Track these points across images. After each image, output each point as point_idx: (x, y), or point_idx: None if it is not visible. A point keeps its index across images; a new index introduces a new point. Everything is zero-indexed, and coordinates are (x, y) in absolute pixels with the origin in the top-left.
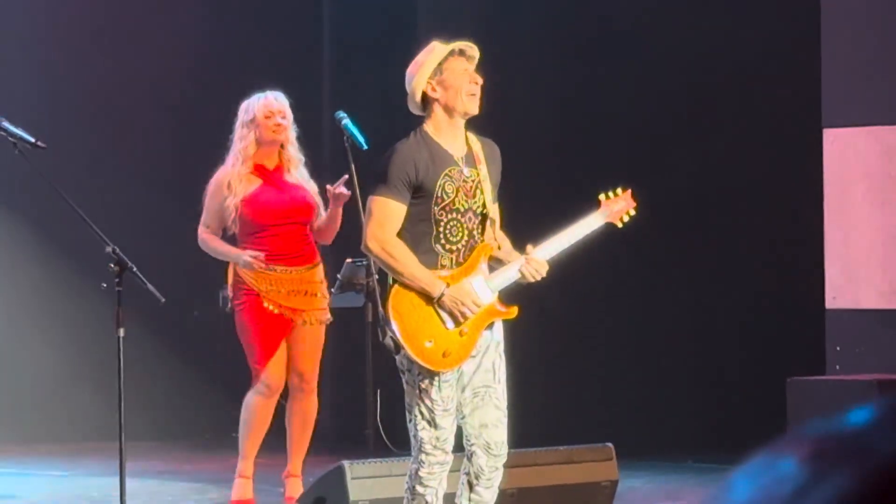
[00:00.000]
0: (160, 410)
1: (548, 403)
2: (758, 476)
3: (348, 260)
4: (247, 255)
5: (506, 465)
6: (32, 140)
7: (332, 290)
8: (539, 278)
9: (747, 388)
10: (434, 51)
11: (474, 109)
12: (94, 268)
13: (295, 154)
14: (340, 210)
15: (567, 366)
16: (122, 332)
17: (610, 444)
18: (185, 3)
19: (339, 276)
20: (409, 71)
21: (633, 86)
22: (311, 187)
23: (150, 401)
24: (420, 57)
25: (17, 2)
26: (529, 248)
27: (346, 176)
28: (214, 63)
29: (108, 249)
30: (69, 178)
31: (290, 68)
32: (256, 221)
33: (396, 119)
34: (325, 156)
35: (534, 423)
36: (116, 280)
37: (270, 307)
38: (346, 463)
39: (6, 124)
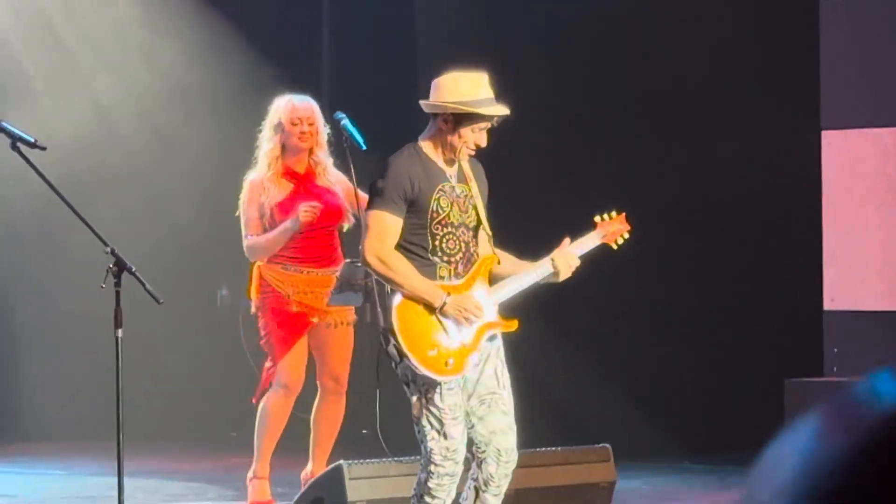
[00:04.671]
0: (158, 409)
1: (545, 405)
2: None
3: (346, 260)
4: (303, 206)
5: None
6: (32, 140)
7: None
8: (570, 274)
9: (745, 390)
10: (477, 95)
11: (464, 161)
12: (94, 268)
13: (324, 158)
14: None
15: (564, 367)
16: (120, 332)
17: (608, 446)
18: (184, 6)
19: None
20: (444, 83)
21: (631, 89)
22: (343, 187)
23: (148, 400)
24: (464, 82)
25: None
26: (567, 240)
27: None
28: (213, 65)
29: (107, 250)
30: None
31: (290, 69)
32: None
33: (395, 120)
34: None
35: (531, 424)
36: (115, 280)
37: (294, 308)
38: (344, 463)
39: (6, 124)
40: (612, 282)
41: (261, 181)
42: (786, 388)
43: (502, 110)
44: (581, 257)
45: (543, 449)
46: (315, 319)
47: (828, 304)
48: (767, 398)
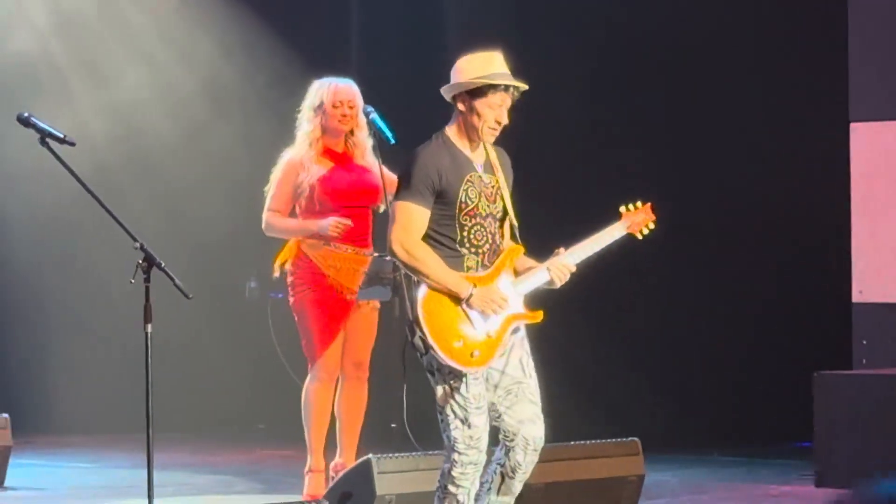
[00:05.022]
0: (188, 402)
1: (574, 398)
2: None
3: (375, 254)
4: (330, 220)
5: None
6: (61, 136)
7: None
8: (566, 281)
9: (774, 383)
10: (489, 69)
11: (488, 142)
12: (124, 261)
13: (363, 139)
14: None
15: (593, 360)
16: (149, 328)
17: (636, 439)
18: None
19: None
20: (461, 63)
21: (661, 81)
22: (382, 173)
23: (177, 392)
24: (476, 60)
25: None
26: (561, 249)
27: None
28: (243, 60)
29: (136, 246)
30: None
31: (319, 63)
32: (329, 202)
33: (424, 114)
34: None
35: (560, 418)
36: (145, 276)
37: (335, 286)
38: (373, 457)
39: (35, 119)
40: (640, 274)
41: (300, 160)
42: (814, 381)
43: (514, 81)
44: (607, 249)
45: (572, 442)
46: (350, 297)
47: (856, 297)
48: (796, 390)
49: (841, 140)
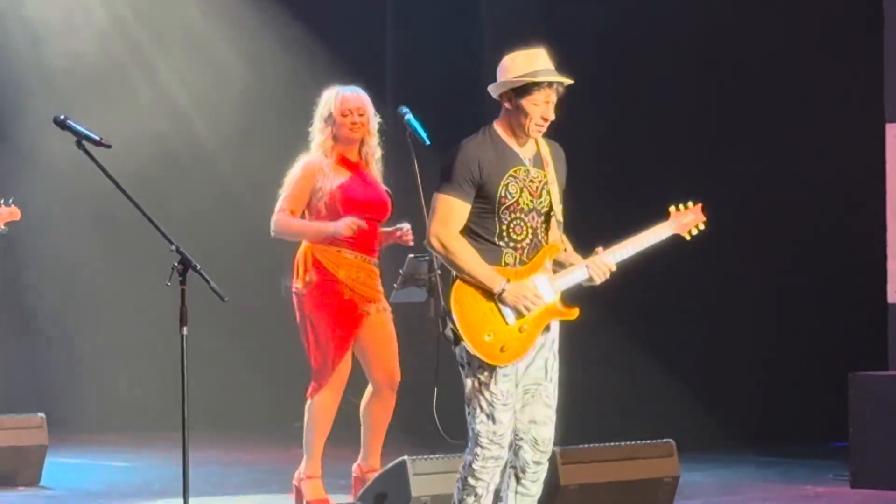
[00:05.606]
0: (222, 400)
1: (609, 400)
2: None
3: (410, 255)
4: (345, 220)
5: (568, 462)
6: (97, 139)
7: (395, 285)
8: (606, 278)
9: (809, 383)
10: (533, 66)
11: (535, 137)
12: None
13: (375, 146)
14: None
15: (628, 362)
16: (185, 330)
17: (671, 441)
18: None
19: (401, 271)
20: (506, 61)
21: (699, 84)
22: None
23: (212, 390)
24: (520, 58)
25: None
26: (599, 249)
27: (409, 226)
28: (279, 61)
29: (172, 248)
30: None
31: (354, 64)
32: (347, 212)
33: (459, 115)
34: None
35: (595, 419)
36: (181, 279)
37: (347, 294)
38: (408, 459)
39: (71, 122)
40: (675, 275)
41: (320, 166)
42: (850, 382)
43: (558, 77)
44: (651, 249)
45: (608, 444)
46: (366, 309)
47: (892, 297)
48: (831, 391)
49: (877, 141)
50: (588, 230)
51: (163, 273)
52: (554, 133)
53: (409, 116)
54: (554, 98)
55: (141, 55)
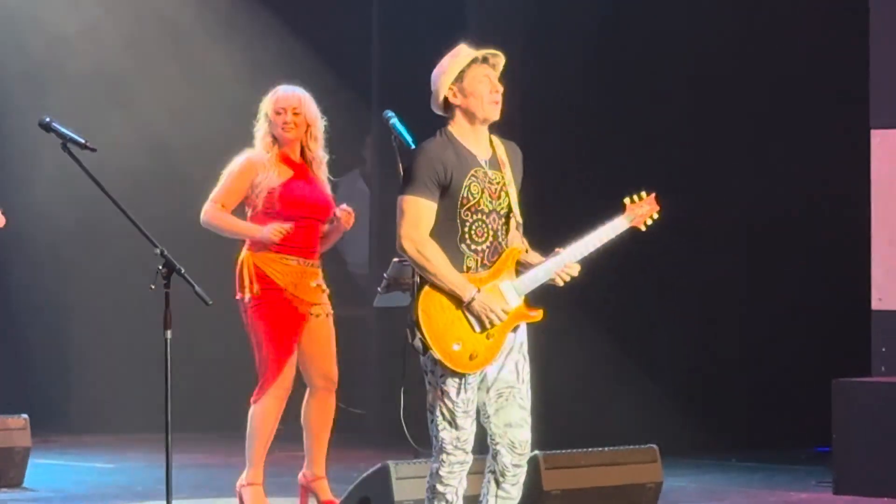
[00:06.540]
0: (205, 402)
1: (592, 405)
2: None
3: (395, 259)
4: (272, 226)
5: (551, 467)
6: (82, 141)
7: (379, 289)
8: (569, 280)
9: (792, 389)
10: (458, 56)
11: (495, 116)
12: (143, 264)
13: (319, 153)
14: (342, 233)
15: (612, 367)
16: (169, 334)
17: (654, 446)
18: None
19: (385, 275)
20: (434, 73)
21: (678, 88)
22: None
23: (195, 392)
24: (445, 61)
25: None
26: (559, 249)
27: (346, 206)
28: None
29: (157, 251)
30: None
31: (340, 68)
32: (286, 210)
33: (444, 120)
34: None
35: (578, 424)
36: (164, 282)
37: (288, 301)
38: (391, 463)
39: (56, 125)
40: (658, 279)
41: (262, 161)
42: (833, 388)
43: (483, 51)
44: (629, 241)
45: (591, 449)
46: (308, 312)
47: (875, 304)
48: (815, 397)
49: (862, 147)
50: (548, 227)
51: (147, 276)
52: (515, 127)
53: (395, 121)
54: (493, 72)
55: (133, 61)
